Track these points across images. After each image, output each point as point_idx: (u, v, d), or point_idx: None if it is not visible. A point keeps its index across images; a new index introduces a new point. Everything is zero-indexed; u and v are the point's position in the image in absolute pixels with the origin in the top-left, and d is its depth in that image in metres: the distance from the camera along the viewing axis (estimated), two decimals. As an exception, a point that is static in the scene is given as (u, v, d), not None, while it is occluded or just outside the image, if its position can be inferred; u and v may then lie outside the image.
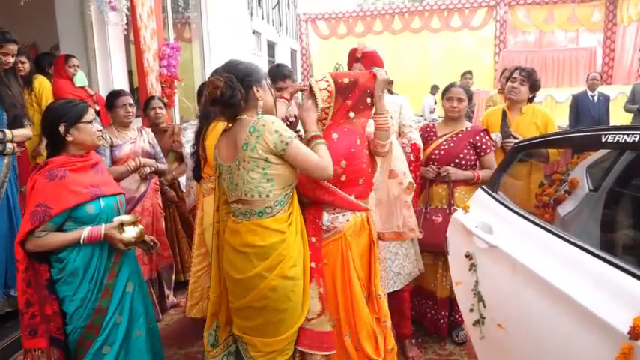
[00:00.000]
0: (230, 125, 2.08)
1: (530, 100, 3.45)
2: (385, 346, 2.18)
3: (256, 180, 1.94)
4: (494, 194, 2.42)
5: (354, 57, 2.72)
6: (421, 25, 12.80)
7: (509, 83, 3.45)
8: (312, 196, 2.15)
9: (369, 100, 2.20)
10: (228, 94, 1.93)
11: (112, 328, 2.18)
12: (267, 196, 1.96)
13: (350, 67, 2.74)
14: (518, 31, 12.90)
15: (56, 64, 4.52)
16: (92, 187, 2.18)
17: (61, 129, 2.14)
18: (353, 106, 2.16)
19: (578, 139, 2.24)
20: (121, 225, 2.18)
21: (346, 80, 2.16)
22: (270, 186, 1.95)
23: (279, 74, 2.98)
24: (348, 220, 2.17)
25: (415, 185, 2.52)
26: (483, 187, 2.56)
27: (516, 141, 3.13)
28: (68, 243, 2.11)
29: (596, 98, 7.27)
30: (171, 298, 3.82)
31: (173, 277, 3.81)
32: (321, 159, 1.97)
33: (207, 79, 2.02)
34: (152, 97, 4.09)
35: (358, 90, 2.16)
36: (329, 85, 2.13)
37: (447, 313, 3.14)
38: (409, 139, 2.83)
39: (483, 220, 2.25)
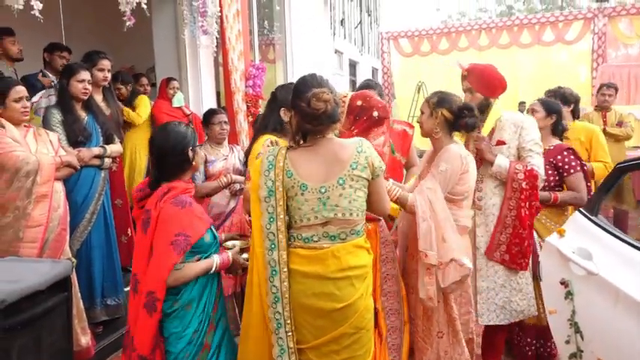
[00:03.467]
0: (303, 143, 1.96)
1: (575, 115, 3.55)
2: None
3: (362, 198, 1.94)
4: (593, 218, 2.22)
5: (463, 75, 2.74)
6: (510, 40, 12.31)
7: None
8: None
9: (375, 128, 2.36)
10: (336, 111, 1.91)
11: None
12: (364, 214, 1.97)
13: (462, 84, 2.74)
14: (619, 43, 12.01)
15: (160, 85, 4.91)
16: (205, 215, 2.11)
17: (190, 153, 2.05)
18: (359, 132, 2.31)
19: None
20: (241, 250, 2.18)
21: (359, 103, 2.35)
22: (365, 206, 1.97)
23: (366, 87, 3.05)
24: None
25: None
26: (581, 209, 2.37)
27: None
28: (202, 273, 1.99)
29: None
30: (251, 312, 3.87)
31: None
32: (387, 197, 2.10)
33: (312, 93, 1.87)
34: (215, 112, 4.20)
35: (366, 116, 2.34)
36: (343, 105, 2.32)
37: (533, 341, 2.92)
38: (525, 164, 2.55)
39: (581, 245, 2.08)
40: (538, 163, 2.56)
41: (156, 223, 1.93)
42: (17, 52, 3.87)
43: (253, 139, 2.72)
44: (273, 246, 1.92)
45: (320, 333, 1.92)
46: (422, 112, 2.45)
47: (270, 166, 1.93)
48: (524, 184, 2.51)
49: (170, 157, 2.02)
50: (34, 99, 3.80)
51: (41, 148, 2.75)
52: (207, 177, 3.33)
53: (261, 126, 2.67)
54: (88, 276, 3.21)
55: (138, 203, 2.12)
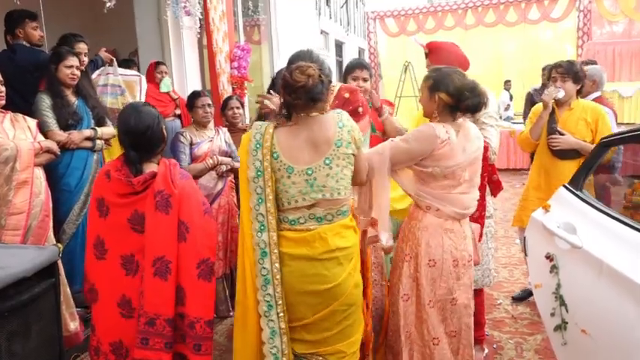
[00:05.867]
0: (290, 123, 1.92)
1: (579, 92, 3.24)
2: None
3: (347, 176, 1.93)
4: (578, 192, 2.25)
5: (425, 53, 2.77)
6: (496, 18, 12.26)
7: (550, 84, 3.26)
8: None
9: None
10: (318, 88, 1.83)
11: None
12: (350, 191, 1.97)
13: (425, 62, 2.76)
14: (604, 21, 12.01)
15: (148, 69, 4.83)
16: None
17: (165, 131, 2.12)
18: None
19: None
20: None
21: (346, 95, 2.38)
22: (350, 182, 1.96)
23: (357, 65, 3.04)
24: None
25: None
26: (566, 185, 2.39)
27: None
28: None
29: (694, 90, 6.60)
30: (242, 294, 3.89)
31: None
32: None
33: (297, 64, 1.87)
34: (230, 97, 4.17)
35: (352, 107, 2.35)
36: (332, 94, 2.35)
37: None
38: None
39: (566, 219, 2.10)
40: (490, 136, 2.60)
41: (179, 200, 1.97)
42: (39, 38, 3.61)
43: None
44: (262, 227, 1.89)
45: (312, 311, 1.93)
46: (422, 93, 2.29)
47: (258, 146, 1.89)
48: None
49: (149, 136, 2.03)
50: (92, 76, 3.79)
51: (19, 134, 2.70)
52: (193, 159, 3.32)
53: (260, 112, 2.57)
54: (84, 260, 3.20)
55: (138, 187, 2.00)
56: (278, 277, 1.89)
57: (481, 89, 2.14)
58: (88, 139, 3.19)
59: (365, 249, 2.19)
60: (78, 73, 3.18)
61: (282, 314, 1.90)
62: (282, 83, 1.88)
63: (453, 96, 2.10)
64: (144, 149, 2.05)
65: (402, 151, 2.11)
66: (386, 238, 2.08)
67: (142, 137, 2.03)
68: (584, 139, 3.09)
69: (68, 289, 2.86)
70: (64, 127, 3.10)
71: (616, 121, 3.51)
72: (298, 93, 1.82)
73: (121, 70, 4.05)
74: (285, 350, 1.91)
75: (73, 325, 2.83)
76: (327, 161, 1.86)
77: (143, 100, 3.96)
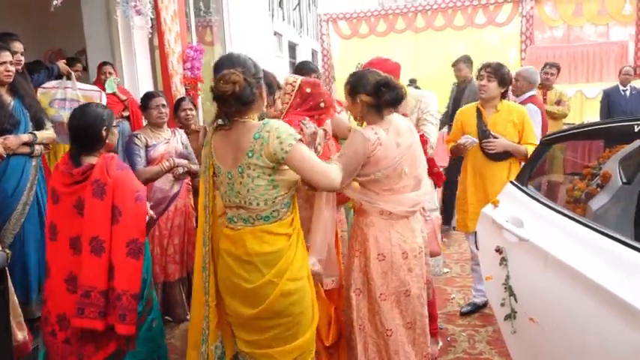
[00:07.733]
0: (226, 125, 1.94)
1: (504, 95, 3.28)
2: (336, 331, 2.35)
3: (262, 187, 1.87)
4: (524, 188, 2.37)
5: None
6: (444, 22, 12.63)
7: (477, 81, 3.34)
8: None
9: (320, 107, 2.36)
10: (247, 92, 1.82)
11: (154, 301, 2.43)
12: (274, 202, 1.90)
13: None
14: (545, 26, 12.60)
15: (97, 70, 4.67)
16: None
17: (104, 133, 2.30)
18: (306, 112, 2.31)
19: (609, 130, 2.18)
20: None
21: (308, 90, 2.32)
22: (277, 192, 1.90)
23: (305, 67, 3.04)
24: None
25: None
26: (513, 181, 2.51)
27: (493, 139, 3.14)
28: None
29: (628, 93, 7.03)
30: (199, 297, 3.84)
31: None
32: (328, 166, 1.93)
33: (220, 74, 1.84)
34: (183, 99, 4.11)
35: (313, 102, 2.33)
36: (293, 90, 2.31)
37: None
38: (418, 130, 2.78)
39: (513, 214, 2.21)
40: (430, 131, 2.88)
41: (113, 188, 2.19)
42: None
43: None
44: (206, 219, 2.04)
45: (241, 309, 1.96)
46: (346, 100, 2.35)
47: (206, 143, 2.03)
48: None
49: (87, 134, 2.28)
50: (47, 85, 3.63)
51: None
52: (149, 161, 3.25)
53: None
54: (22, 270, 3.06)
55: (77, 177, 2.24)
56: (209, 268, 2.02)
57: (396, 82, 2.22)
58: (26, 144, 3.03)
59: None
60: (13, 69, 3.02)
61: (208, 304, 2.02)
62: (213, 96, 1.87)
63: (372, 94, 2.18)
64: (81, 144, 2.29)
65: (342, 166, 2.10)
66: (312, 262, 2.07)
67: (81, 133, 2.28)
68: (512, 140, 3.16)
69: (16, 298, 2.75)
70: (0, 131, 2.93)
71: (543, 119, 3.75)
72: (229, 102, 1.83)
73: (79, 85, 3.93)
74: (209, 338, 2.01)
75: (21, 334, 2.71)
76: (240, 170, 1.87)
77: None
